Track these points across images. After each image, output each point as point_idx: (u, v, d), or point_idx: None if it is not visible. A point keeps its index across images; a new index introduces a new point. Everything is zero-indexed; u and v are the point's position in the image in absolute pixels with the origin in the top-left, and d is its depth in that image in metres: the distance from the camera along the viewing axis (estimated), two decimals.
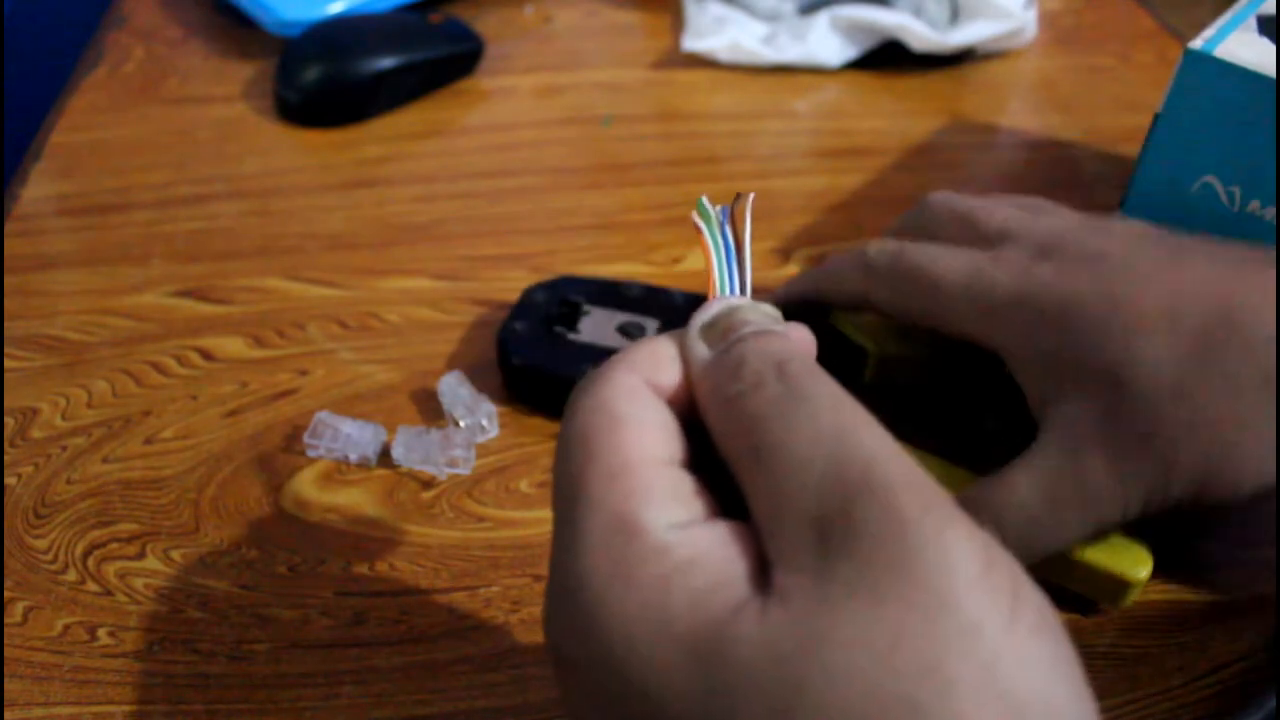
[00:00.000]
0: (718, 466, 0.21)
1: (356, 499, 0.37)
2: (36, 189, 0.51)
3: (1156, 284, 0.28)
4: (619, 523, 0.19)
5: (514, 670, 0.32)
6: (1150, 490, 0.27)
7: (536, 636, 0.33)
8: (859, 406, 0.19)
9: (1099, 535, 0.29)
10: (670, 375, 0.22)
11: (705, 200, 0.24)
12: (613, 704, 0.18)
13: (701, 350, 0.22)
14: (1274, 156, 0.37)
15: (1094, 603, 0.32)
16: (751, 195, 0.24)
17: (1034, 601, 0.17)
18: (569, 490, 0.20)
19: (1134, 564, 0.30)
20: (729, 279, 0.24)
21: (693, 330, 0.22)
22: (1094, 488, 0.28)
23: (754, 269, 0.24)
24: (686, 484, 0.20)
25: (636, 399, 0.21)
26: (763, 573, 0.18)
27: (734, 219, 0.24)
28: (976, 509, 0.26)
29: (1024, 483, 0.28)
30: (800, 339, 0.23)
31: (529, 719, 0.31)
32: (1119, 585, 0.30)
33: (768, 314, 0.22)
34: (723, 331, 0.22)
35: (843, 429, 0.19)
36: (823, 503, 0.18)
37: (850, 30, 0.59)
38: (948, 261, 0.32)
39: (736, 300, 0.23)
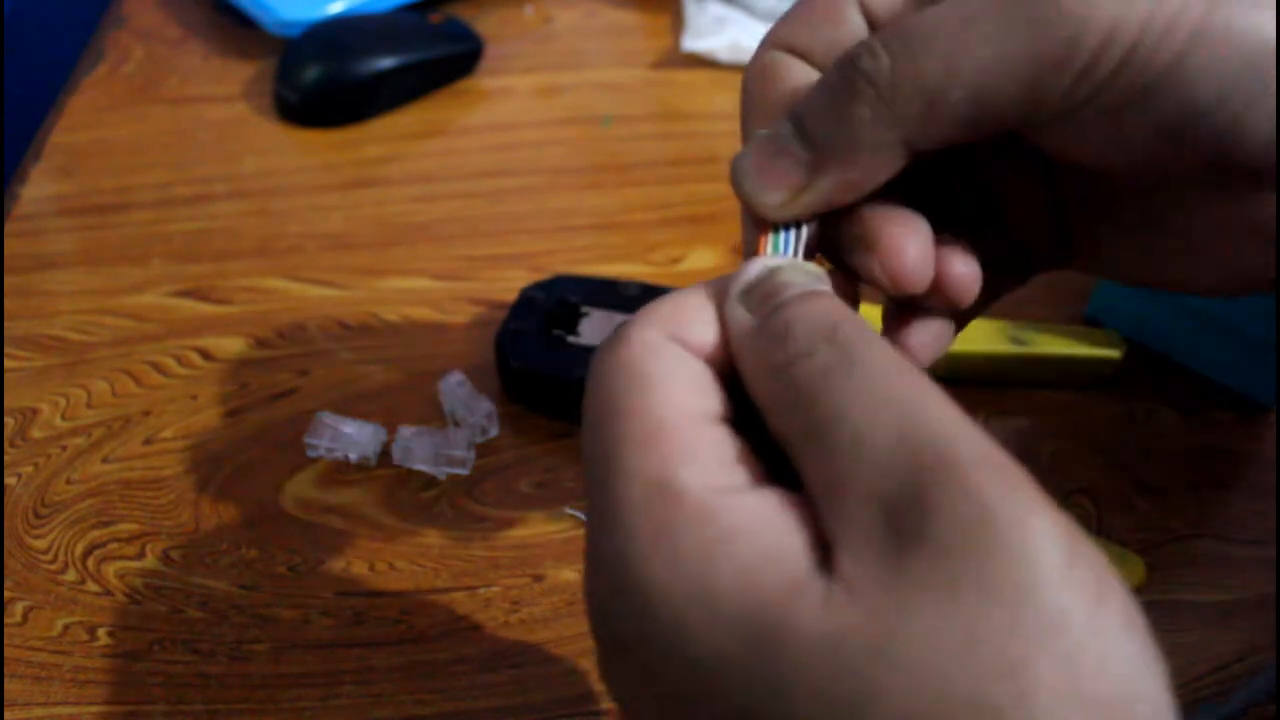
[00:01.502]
0: (759, 432, 0.19)
1: (356, 499, 0.37)
2: (36, 189, 0.51)
3: None
4: (657, 488, 0.17)
5: (514, 670, 0.32)
6: None
7: (536, 636, 0.33)
8: (922, 374, 0.18)
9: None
10: (703, 332, 0.20)
11: None
12: (670, 687, 0.17)
13: (742, 316, 0.20)
14: None
15: None
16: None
17: (1119, 593, 0.16)
18: (600, 460, 0.18)
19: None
20: (784, 235, 0.22)
21: (733, 294, 0.20)
22: None
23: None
24: (730, 444, 0.19)
25: (665, 354, 0.19)
26: (821, 551, 0.17)
27: None
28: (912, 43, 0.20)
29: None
30: (845, 306, 0.20)
31: (529, 719, 0.31)
32: None
33: (812, 273, 0.21)
34: (764, 296, 0.20)
35: (908, 398, 0.17)
36: (892, 481, 0.16)
37: None
38: None
39: (775, 260, 0.21)
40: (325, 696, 0.31)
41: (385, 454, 0.38)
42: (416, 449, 0.37)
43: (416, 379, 0.41)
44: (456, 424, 0.39)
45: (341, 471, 0.38)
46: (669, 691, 0.17)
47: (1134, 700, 0.15)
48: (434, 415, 0.40)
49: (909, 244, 0.21)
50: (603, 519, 0.18)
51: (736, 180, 0.22)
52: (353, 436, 0.38)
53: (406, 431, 0.38)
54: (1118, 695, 0.15)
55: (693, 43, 0.59)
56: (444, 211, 0.50)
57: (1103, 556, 0.16)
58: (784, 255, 0.22)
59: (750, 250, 0.23)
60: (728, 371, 0.20)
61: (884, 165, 0.21)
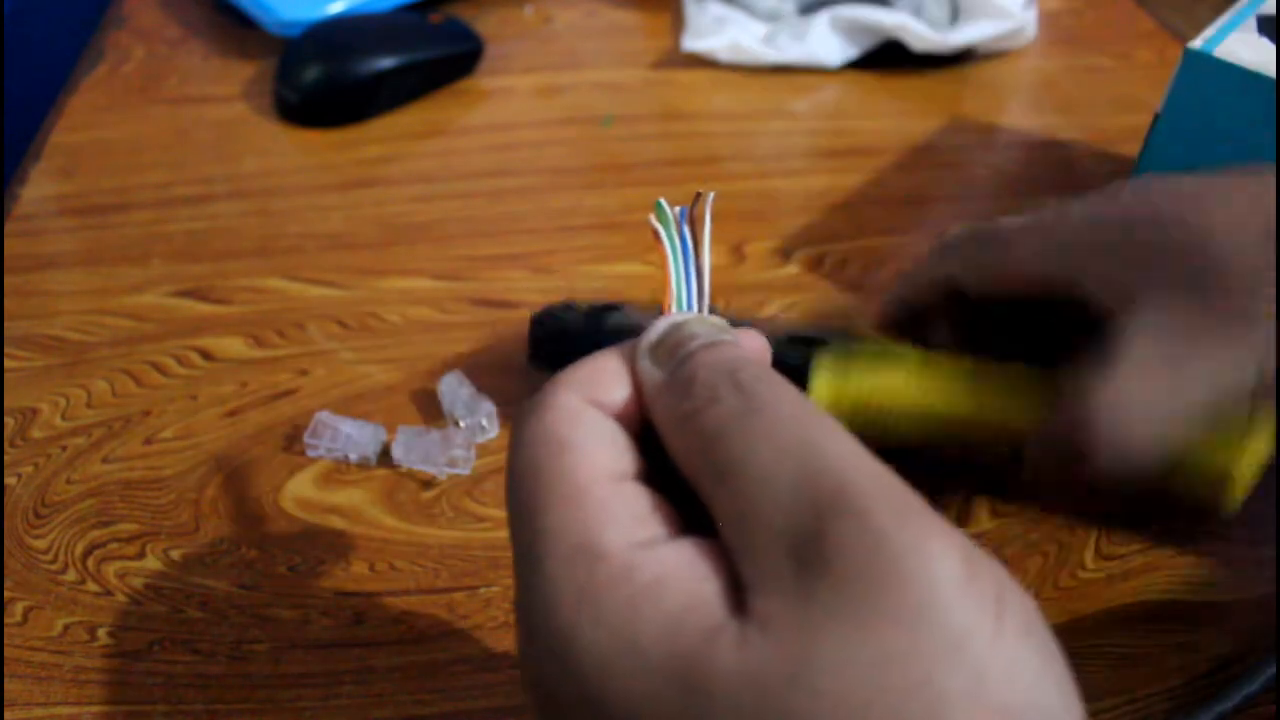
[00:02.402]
0: (677, 482, 0.20)
1: (356, 499, 0.37)
2: (36, 189, 0.51)
3: (1222, 189, 0.29)
4: (580, 548, 0.18)
5: (514, 670, 0.32)
6: (1260, 359, 0.27)
7: None
8: (821, 413, 0.19)
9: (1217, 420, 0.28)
10: (616, 392, 0.21)
11: (664, 202, 0.23)
12: None
13: (651, 370, 0.21)
14: (1274, 156, 0.37)
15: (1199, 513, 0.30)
16: (711, 195, 0.22)
17: (1019, 604, 0.17)
18: (525, 524, 0.19)
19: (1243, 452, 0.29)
20: (686, 286, 0.22)
21: (641, 351, 0.21)
22: (1204, 366, 0.27)
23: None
24: (644, 500, 0.19)
25: (580, 420, 0.20)
26: (736, 592, 0.18)
27: (693, 221, 0.23)
28: (1079, 416, 0.26)
29: (1132, 375, 0.27)
30: (752, 346, 0.22)
31: (528, 719, 0.31)
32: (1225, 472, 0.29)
33: (715, 324, 0.22)
34: (670, 348, 0.21)
35: (807, 439, 0.18)
36: (795, 521, 0.17)
37: (850, 30, 0.59)
38: (1019, 218, 0.32)
39: (681, 316, 0.22)
40: (325, 696, 0.31)
41: (385, 454, 0.38)
42: (416, 449, 0.37)
43: (416, 379, 0.41)
44: (456, 424, 0.39)
45: (341, 471, 0.38)
46: None
47: (1039, 701, 0.16)
48: (434, 415, 0.40)
49: None
50: (530, 581, 0.19)
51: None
52: (353, 436, 0.38)
53: (406, 431, 0.38)
54: (1023, 699, 0.16)
55: (693, 43, 0.59)
56: (444, 211, 0.50)
57: (1001, 570, 0.17)
58: (688, 310, 0.23)
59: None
60: (643, 426, 0.21)
61: None
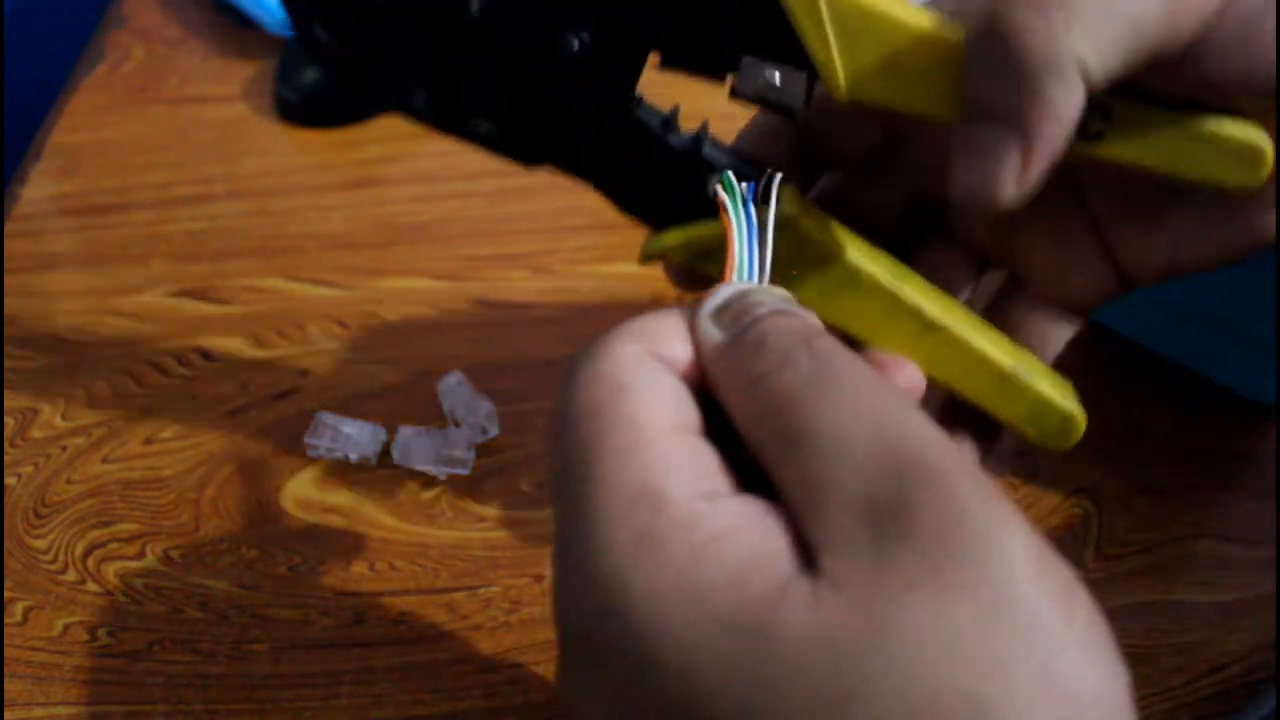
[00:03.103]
0: (731, 447, 0.19)
1: (356, 499, 0.37)
2: (36, 189, 0.51)
3: None
4: (642, 494, 0.18)
5: (514, 670, 0.32)
6: None
7: (536, 636, 0.33)
8: (895, 386, 0.18)
9: None
10: (678, 349, 0.20)
11: (731, 175, 0.23)
12: (643, 692, 0.17)
13: (714, 333, 0.20)
14: None
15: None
16: (779, 175, 0.23)
17: (1086, 600, 0.17)
18: (577, 470, 0.18)
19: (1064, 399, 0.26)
20: (749, 261, 0.22)
21: (704, 313, 0.21)
22: None
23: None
24: (709, 455, 0.19)
25: (643, 368, 0.19)
26: (803, 553, 0.17)
27: (759, 199, 0.23)
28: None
29: None
30: (817, 322, 0.21)
31: (528, 719, 0.31)
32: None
33: (780, 295, 0.21)
34: (736, 314, 0.20)
35: (884, 409, 0.18)
36: (872, 487, 0.17)
37: None
38: None
39: (747, 284, 0.22)
40: (325, 696, 0.31)
41: (385, 454, 0.38)
42: (416, 449, 0.37)
43: (416, 379, 0.41)
44: (456, 424, 0.39)
45: (341, 471, 0.38)
46: (649, 699, 0.17)
47: (1104, 695, 0.16)
48: (434, 415, 0.40)
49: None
50: (578, 528, 0.18)
51: (979, 200, 0.21)
52: (353, 436, 0.38)
53: (406, 431, 0.38)
54: (1090, 691, 0.16)
55: None
56: (444, 211, 0.50)
57: (1069, 569, 0.17)
58: (749, 281, 0.22)
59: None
60: (698, 391, 0.20)
61: (1074, 103, 0.20)
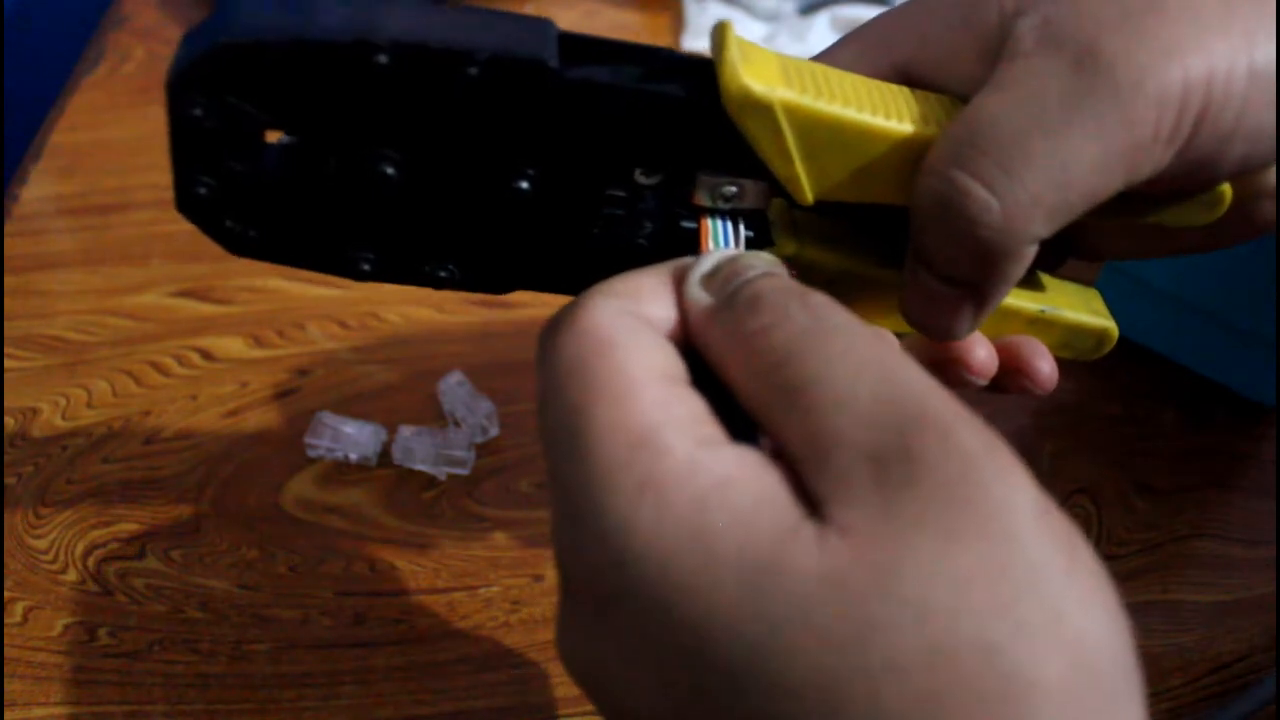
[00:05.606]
0: (716, 410, 0.19)
1: (356, 499, 0.37)
2: (36, 189, 0.51)
3: None
4: (640, 441, 0.17)
5: (514, 670, 0.32)
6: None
7: (536, 636, 0.33)
8: (893, 340, 0.18)
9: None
10: (662, 310, 0.20)
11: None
12: (654, 639, 0.17)
13: (704, 297, 0.20)
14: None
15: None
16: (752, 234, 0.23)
17: (1087, 551, 0.17)
18: (569, 426, 0.18)
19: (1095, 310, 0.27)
20: (723, 232, 0.22)
21: (694, 278, 0.20)
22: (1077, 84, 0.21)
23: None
24: (701, 404, 0.19)
25: (625, 323, 0.19)
26: (808, 505, 0.17)
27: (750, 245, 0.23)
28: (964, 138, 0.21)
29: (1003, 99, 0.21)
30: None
31: (529, 719, 0.31)
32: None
33: (767, 259, 0.21)
34: (727, 277, 0.20)
35: (884, 360, 0.18)
36: (876, 435, 0.17)
37: (851, 30, 0.59)
38: None
39: (734, 250, 0.21)
40: (325, 696, 0.31)
41: (385, 454, 0.38)
42: (416, 449, 0.37)
43: (416, 379, 0.41)
44: (456, 424, 0.39)
45: (341, 471, 0.38)
46: (659, 645, 0.17)
47: (1110, 642, 0.16)
48: (434, 415, 0.40)
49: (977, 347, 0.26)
50: (580, 480, 0.18)
51: (934, 336, 0.24)
52: (353, 436, 0.38)
53: (406, 431, 0.38)
54: (1097, 637, 0.16)
55: (693, 43, 0.59)
56: None
57: (1069, 522, 0.17)
58: (729, 248, 0.22)
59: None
60: (684, 352, 0.20)
61: (1026, 265, 0.22)
